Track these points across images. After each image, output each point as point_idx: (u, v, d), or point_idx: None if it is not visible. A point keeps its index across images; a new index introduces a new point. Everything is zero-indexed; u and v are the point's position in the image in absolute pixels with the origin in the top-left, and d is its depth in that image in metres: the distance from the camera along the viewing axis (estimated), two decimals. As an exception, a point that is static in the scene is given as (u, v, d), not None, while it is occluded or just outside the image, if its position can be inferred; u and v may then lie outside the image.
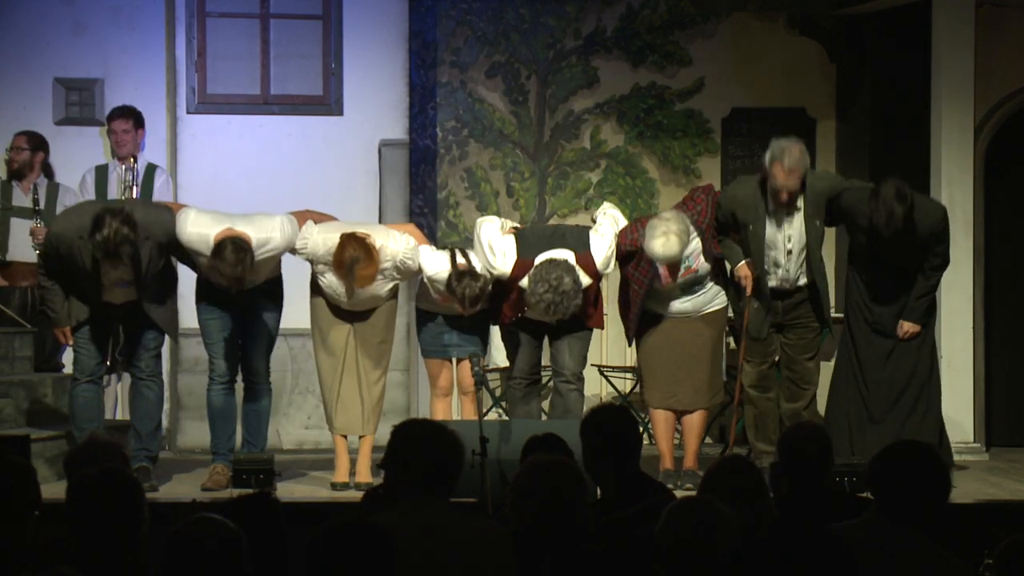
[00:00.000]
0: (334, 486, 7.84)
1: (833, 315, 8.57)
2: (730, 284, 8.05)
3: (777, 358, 8.26)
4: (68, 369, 8.44)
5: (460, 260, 7.69)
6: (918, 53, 9.54)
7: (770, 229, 7.91)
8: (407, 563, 3.76)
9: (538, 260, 7.60)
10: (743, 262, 7.91)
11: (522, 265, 7.66)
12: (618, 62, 10.23)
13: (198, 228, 7.47)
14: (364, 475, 7.83)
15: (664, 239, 7.53)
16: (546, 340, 8.08)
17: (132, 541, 3.98)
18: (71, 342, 7.67)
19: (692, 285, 7.92)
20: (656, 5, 10.22)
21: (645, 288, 7.83)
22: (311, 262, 7.77)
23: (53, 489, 4.78)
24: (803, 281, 8.00)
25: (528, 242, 7.76)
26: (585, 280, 7.62)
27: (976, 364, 9.36)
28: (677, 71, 10.25)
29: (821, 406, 8.43)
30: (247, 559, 3.67)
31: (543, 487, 4.24)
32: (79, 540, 3.98)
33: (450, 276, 7.62)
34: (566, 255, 7.63)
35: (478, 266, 7.71)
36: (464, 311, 7.64)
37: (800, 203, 7.90)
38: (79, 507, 4.01)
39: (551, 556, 4.15)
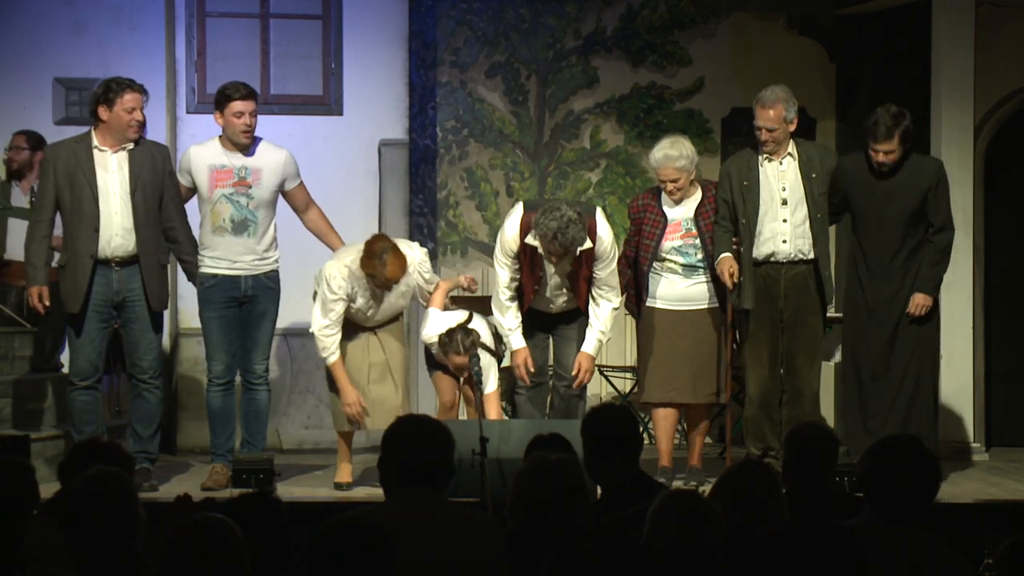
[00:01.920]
0: (337, 486, 7.84)
1: (832, 315, 8.57)
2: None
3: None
4: (67, 369, 8.42)
5: (462, 322, 7.80)
6: (918, 53, 9.54)
7: (764, 179, 7.96)
8: (397, 558, 3.76)
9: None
10: (725, 255, 7.89)
11: (528, 219, 7.73)
12: (618, 62, 10.23)
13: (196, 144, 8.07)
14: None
15: (671, 141, 7.98)
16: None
17: (127, 542, 3.98)
18: (48, 302, 7.63)
19: (692, 264, 8.00)
20: (656, 5, 10.23)
21: (655, 241, 7.96)
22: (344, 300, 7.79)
23: (53, 489, 4.77)
24: (805, 248, 7.98)
25: (535, 202, 8.10)
26: (587, 243, 7.70)
27: (976, 364, 9.36)
28: (677, 71, 10.25)
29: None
30: (247, 560, 3.67)
31: (544, 485, 4.24)
32: (73, 542, 3.97)
33: (442, 334, 7.71)
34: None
35: (480, 330, 7.80)
36: (458, 360, 7.68)
37: (792, 151, 7.97)
38: (72, 510, 4.00)
39: (551, 555, 4.15)
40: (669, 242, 7.99)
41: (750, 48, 10.26)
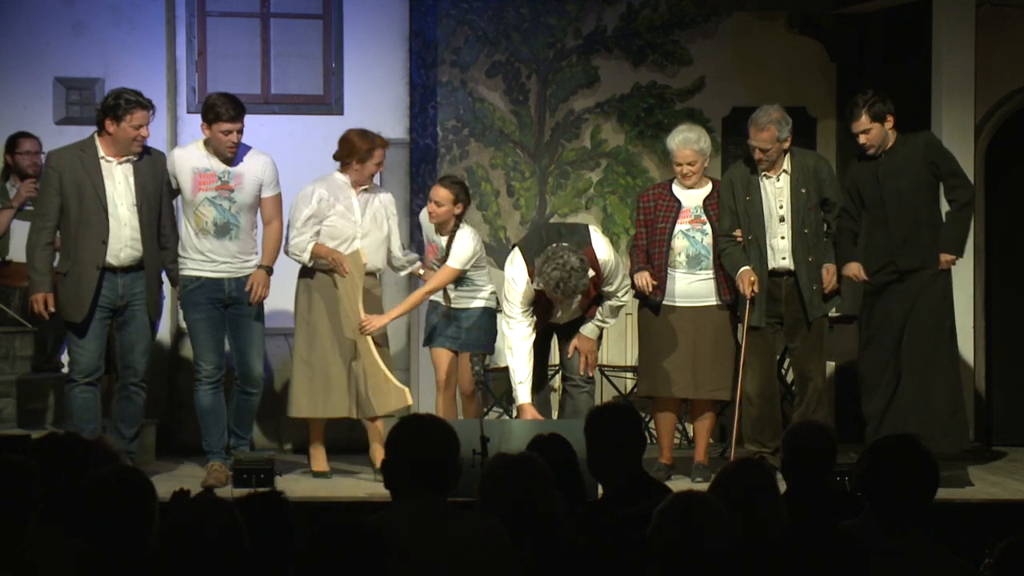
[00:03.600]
0: (316, 475, 7.94)
1: (832, 315, 8.56)
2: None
3: (783, 357, 8.25)
4: (67, 369, 8.42)
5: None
6: (918, 53, 9.54)
7: (764, 196, 8.00)
8: (401, 562, 3.76)
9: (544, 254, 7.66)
10: (745, 268, 7.91)
11: (531, 268, 7.69)
12: (618, 61, 10.23)
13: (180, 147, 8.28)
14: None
15: (688, 126, 8.27)
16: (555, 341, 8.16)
17: (143, 540, 3.99)
18: (52, 308, 7.67)
19: (697, 254, 8.04)
20: (656, 4, 10.23)
21: (671, 224, 8.00)
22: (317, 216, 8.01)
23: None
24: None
25: (530, 247, 7.80)
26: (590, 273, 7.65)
27: (976, 364, 9.35)
28: (677, 70, 10.26)
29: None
30: (245, 539, 3.71)
31: (508, 486, 4.27)
32: (89, 539, 3.98)
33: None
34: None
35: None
36: (439, 193, 8.16)
37: (787, 167, 7.99)
38: (93, 506, 4.01)
39: (532, 553, 4.18)
40: (678, 226, 8.02)
41: (750, 48, 10.27)
